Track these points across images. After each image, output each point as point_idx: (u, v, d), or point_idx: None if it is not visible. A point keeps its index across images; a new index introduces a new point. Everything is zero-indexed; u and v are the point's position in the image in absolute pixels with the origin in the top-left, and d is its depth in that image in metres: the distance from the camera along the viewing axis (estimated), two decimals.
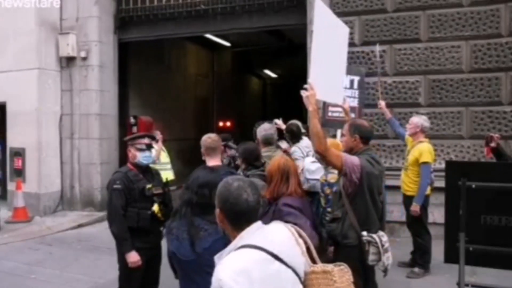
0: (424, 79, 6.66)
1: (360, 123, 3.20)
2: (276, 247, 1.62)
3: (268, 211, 2.86)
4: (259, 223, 1.70)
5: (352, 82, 6.39)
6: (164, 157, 7.17)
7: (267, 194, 2.95)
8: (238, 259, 1.56)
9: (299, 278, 1.68)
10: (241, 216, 1.66)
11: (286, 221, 2.15)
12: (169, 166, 7.27)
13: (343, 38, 3.51)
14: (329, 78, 3.21)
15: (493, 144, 3.92)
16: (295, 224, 2.07)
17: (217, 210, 1.71)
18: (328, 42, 3.21)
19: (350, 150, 3.11)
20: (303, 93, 2.91)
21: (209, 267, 1.78)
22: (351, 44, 6.90)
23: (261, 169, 3.67)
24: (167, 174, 7.11)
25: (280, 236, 1.71)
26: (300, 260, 1.71)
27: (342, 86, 3.49)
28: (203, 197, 2.94)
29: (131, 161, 3.58)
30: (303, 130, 5.24)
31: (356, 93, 6.42)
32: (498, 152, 3.99)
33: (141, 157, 3.54)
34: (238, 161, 3.88)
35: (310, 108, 2.86)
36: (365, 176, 2.86)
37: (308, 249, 1.82)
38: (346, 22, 6.90)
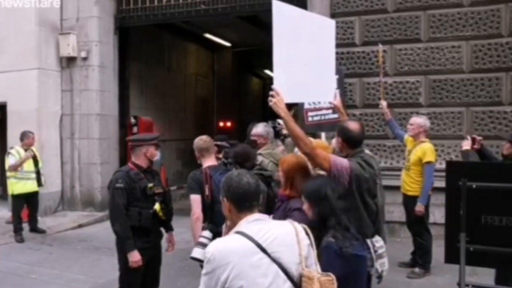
0: (425, 79, 6.65)
1: (346, 126, 3.04)
2: (266, 240, 1.75)
3: (278, 209, 2.75)
4: (260, 215, 1.85)
5: None
6: (29, 165, 6.72)
7: (286, 193, 2.77)
8: (225, 241, 1.79)
9: (288, 275, 1.76)
10: (244, 198, 1.84)
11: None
12: (33, 175, 6.82)
13: (327, 33, 3.35)
14: (308, 78, 3.13)
15: (476, 146, 3.90)
16: None
17: (223, 200, 1.89)
18: (299, 41, 3.13)
19: (341, 152, 3.07)
20: (270, 100, 2.89)
21: None
22: (352, 44, 6.92)
23: (257, 168, 3.67)
24: (30, 185, 6.75)
25: (278, 232, 1.80)
26: (292, 259, 1.78)
27: (332, 83, 3.36)
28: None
29: (143, 159, 3.54)
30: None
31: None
32: (482, 153, 3.98)
33: (158, 155, 3.76)
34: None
35: (282, 113, 2.80)
36: (354, 178, 2.76)
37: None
38: (346, 22, 6.97)
